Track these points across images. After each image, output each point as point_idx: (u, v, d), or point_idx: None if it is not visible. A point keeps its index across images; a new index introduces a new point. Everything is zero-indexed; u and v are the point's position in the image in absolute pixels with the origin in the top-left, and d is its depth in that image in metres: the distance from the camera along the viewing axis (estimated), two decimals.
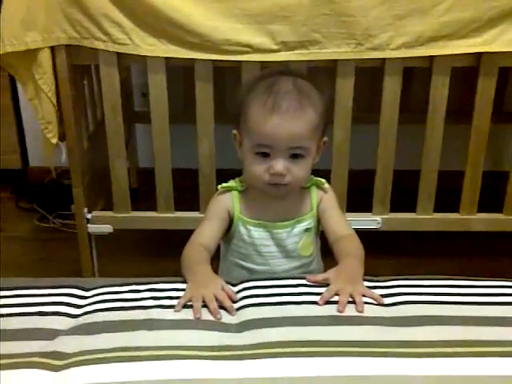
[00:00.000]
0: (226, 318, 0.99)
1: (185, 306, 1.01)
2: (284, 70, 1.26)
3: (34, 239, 2.22)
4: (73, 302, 1.03)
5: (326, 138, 1.22)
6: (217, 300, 1.01)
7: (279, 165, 1.13)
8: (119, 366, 0.87)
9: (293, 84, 1.14)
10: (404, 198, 1.78)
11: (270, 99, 1.11)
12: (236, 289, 1.08)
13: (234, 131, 1.22)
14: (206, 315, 0.99)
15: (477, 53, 1.60)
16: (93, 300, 1.03)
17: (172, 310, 1.00)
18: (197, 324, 0.97)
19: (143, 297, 1.03)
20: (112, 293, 1.05)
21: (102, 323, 0.96)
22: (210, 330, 0.95)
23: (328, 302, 1.02)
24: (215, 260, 1.25)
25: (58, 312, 1.00)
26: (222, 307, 1.01)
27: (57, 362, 0.88)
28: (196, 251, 1.18)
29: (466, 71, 1.66)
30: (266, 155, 1.14)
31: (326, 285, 1.07)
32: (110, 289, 1.06)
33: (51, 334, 0.94)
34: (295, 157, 1.14)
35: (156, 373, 0.86)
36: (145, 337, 0.93)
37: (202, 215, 1.54)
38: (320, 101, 1.17)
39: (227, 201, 1.25)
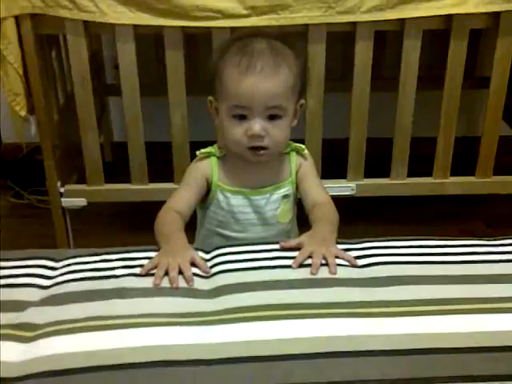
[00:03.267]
0: (198, 284, 0.98)
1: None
2: (257, 31, 1.24)
3: (8, 216, 2.19)
4: (43, 274, 1.01)
5: (303, 101, 1.21)
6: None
7: (257, 125, 1.11)
8: (90, 335, 0.86)
9: (267, 44, 1.13)
10: (378, 165, 1.78)
11: (244, 59, 1.10)
12: (209, 256, 1.07)
13: (210, 97, 1.20)
14: (180, 283, 0.98)
15: (448, 15, 1.59)
16: (63, 271, 1.02)
17: (144, 278, 0.99)
18: (169, 292, 0.96)
19: (115, 266, 1.02)
20: (83, 263, 1.03)
21: (72, 293, 0.95)
22: (182, 296, 0.95)
23: (302, 266, 1.02)
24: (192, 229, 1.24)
25: (28, 284, 0.98)
26: (196, 274, 1.00)
27: (27, 333, 0.87)
28: (171, 218, 1.16)
29: (437, 37, 1.66)
30: (242, 118, 1.12)
31: (300, 249, 1.06)
32: (80, 259, 1.04)
33: (21, 306, 0.93)
34: (273, 118, 1.13)
35: (128, 341, 0.85)
36: (116, 305, 0.92)
37: (176, 186, 1.52)
38: (295, 61, 1.15)
39: (206, 167, 1.23)
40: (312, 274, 1.00)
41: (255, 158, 1.17)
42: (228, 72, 1.12)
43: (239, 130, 1.13)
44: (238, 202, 1.23)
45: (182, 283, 0.98)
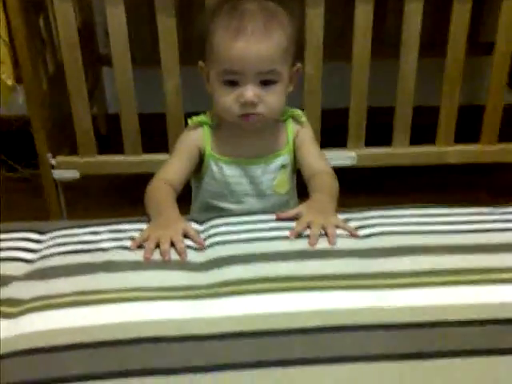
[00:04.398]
0: (191, 256, 0.94)
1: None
2: None
3: (1, 190, 2.15)
4: (28, 247, 0.97)
5: (299, 65, 1.15)
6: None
7: (249, 91, 1.06)
8: (77, 310, 0.82)
9: (258, 4, 1.07)
10: (379, 135, 1.74)
11: (235, 21, 1.04)
12: (203, 227, 1.03)
13: (201, 63, 1.15)
14: (173, 256, 0.94)
15: None
16: (49, 243, 0.97)
17: (134, 251, 0.94)
18: (160, 265, 0.91)
19: (103, 238, 0.97)
20: (70, 235, 0.99)
21: (58, 267, 0.91)
22: (173, 269, 0.90)
23: (300, 237, 0.97)
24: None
25: (12, 257, 0.94)
26: (189, 247, 0.96)
27: (11, 308, 0.83)
28: (162, 189, 1.11)
29: (439, 2, 1.61)
30: (234, 84, 1.07)
31: (298, 220, 1.01)
32: (67, 231, 1.00)
33: (5, 281, 0.89)
34: (266, 83, 1.08)
35: (117, 316, 0.81)
36: (104, 279, 0.88)
37: None
38: (289, 22, 1.09)
39: (198, 137, 1.18)
40: (310, 244, 0.95)
41: (248, 125, 1.11)
42: (217, 36, 1.07)
43: (230, 97, 1.08)
44: (232, 172, 1.19)
45: (174, 256, 0.93)
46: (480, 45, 2.15)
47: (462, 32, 1.63)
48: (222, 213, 1.16)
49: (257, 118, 1.10)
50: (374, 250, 0.95)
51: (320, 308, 0.83)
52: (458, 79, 1.69)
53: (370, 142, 1.78)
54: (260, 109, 1.08)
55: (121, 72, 1.63)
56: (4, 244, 0.97)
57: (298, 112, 1.21)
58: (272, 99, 1.09)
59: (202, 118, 1.19)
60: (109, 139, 2.24)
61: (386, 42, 2.03)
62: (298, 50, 1.14)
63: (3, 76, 1.54)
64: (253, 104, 1.07)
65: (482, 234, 1.00)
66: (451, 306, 0.84)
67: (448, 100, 1.71)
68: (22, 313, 0.82)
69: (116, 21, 1.56)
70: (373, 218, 1.04)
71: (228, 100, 1.08)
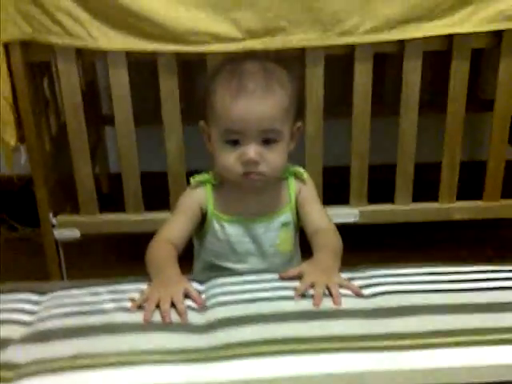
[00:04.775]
0: (192, 317, 0.92)
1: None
2: (250, 53, 1.20)
3: (1, 249, 2.14)
4: (26, 308, 0.95)
5: (300, 123, 1.16)
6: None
7: (251, 150, 1.06)
8: (76, 375, 0.80)
9: (259, 65, 1.09)
10: (382, 192, 1.74)
11: (235, 81, 1.05)
12: (204, 287, 1.01)
13: (202, 123, 1.15)
14: (173, 317, 0.91)
15: (448, 35, 1.55)
16: (48, 304, 0.95)
17: (135, 312, 0.92)
18: (160, 326, 0.89)
19: (103, 299, 0.95)
20: (69, 296, 0.97)
21: (57, 329, 0.89)
22: (174, 331, 0.88)
23: (303, 297, 0.95)
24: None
25: (10, 320, 0.92)
26: (190, 307, 0.94)
27: (8, 373, 0.81)
28: (163, 249, 1.10)
29: (438, 60, 1.63)
30: (236, 143, 1.07)
31: (301, 279, 0.99)
32: (67, 292, 0.98)
33: (3, 344, 0.87)
34: (268, 142, 1.08)
35: (116, 380, 0.79)
36: (104, 342, 0.86)
37: None
38: (289, 82, 1.10)
39: (200, 195, 1.18)
40: (315, 305, 0.93)
41: (250, 184, 1.11)
42: (219, 95, 1.07)
43: (232, 156, 1.08)
44: (234, 231, 1.18)
45: (174, 316, 0.91)
46: (480, 101, 2.17)
47: (461, 88, 1.63)
48: (225, 272, 1.15)
49: (259, 176, 1.09)
50: (379, 310, 0.93)
51: (324, 371, 0.81)
52: (458, 135, 1.69)
53: (371, 198, 1.77)
54: (262, 167, 1.08)
55: (123, 133, 1.64)
56: (2, 306, 0.95)
57: (300, 170, 1.21)
58: (273, 158, 1.09)
59: (204, 176, 1.18)
60: (111, 198, 2.24)
61: (385, 99, 2.05)
62: (298, 109, 1.15)
63: (6, 136, 1.54)
64: (255, 163, 1.07)
65: (489, 292, 0.98)
66: (455, 368, 0.82)
67: (449, 156, 1.71)
68: (19, 377, 0.80)
69: (119, 83, 1.58)
70: (377, 276, 1.03)
71: (230, 159, 1.08)
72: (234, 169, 1.08)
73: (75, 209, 1.79)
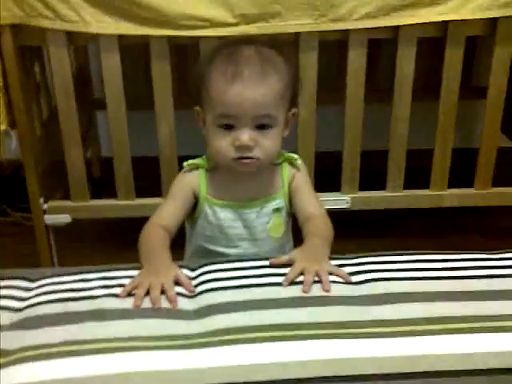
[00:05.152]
0: (182, 304, 0.92)
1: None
2: (245, 38, 1.19)
3: None
4: (16, 295, 0.95)
5: (295, 110, 1.15)
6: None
7: (245, 135, 1.05)
8: (65, 361, 0.80)
9: (255, 50, 1.08)
10: (373, 178, 1.73)
11: (231, 66, 1.04)
12: (195, 273, 1.01)
13: (197, 107, 1.14)
14: (163, 304, 0.92)
15: (443, 22, 1.54)
16: (38, 291, 0.95)
17: (125, 299, 0.92)
18: (150, 313, 0.89)
19: (93, 286, 0.95)
20: (59, 283, 0.97)
21: (46, 316, 0.89)
22: (164, 318, 0.88)
23: (293, 283, 0.96)
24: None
25: (0, 306, 0.92)
26: (180, 294, 0.94)
27: None
28: (155, 234, 1.10)
29: (432, 47, 1.62)
30: (230, 128, 1.07)
31: (291, 265, 1.00)
32: (57, 279, 0.98)
33: None
34: (262, 128, 1.07)
35: (105, 367, 0.79)
36: (93, 329, 0.86)
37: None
38: (285, 67, 1.09)
39: (193, 180, 1.17)
40: (304, 291, 0.94)
41: (243, 169, 1.11)
42: (214, 80, 1.07)
43: (226, 140, 1.07)
44: (226, 215, 1.17)
45: (165, 303, 0.91)
46: (473, 89, 2.16)
47: (454, 76, 1.63)
48: (216, 257, 1.15)
49: (252, 161, 1.09)
50: (368, 297, 0.93)
51: (314, 357, 0.81)
52: (451, 123, 1.69)
53: (363, 184, 1.77)
54: (256, 152, 1.08)
55: (115, 117, 1.63)
56: None
57: (294, 156, 1.20)
58: (268, 143, 1.08)
59: (198, 161, 1.18)
60: (102, 182, 2.23)
61: (379, 85, 2.04)
62: (294, 95, 1.14)
63: None
64: (248, 147, 1.07)
65: (479, 280, 0.99)
66: (445, 355, 0.83)
67: (441, 143, 1.71)
68: (7, 364, 0.80)
69: (111, 66, 1.56)
70: (366, 263, 1.03)
71: (224, 143, 1.08)
72: (228, 153, 1.08)
73: (66, 194, 1.78)
